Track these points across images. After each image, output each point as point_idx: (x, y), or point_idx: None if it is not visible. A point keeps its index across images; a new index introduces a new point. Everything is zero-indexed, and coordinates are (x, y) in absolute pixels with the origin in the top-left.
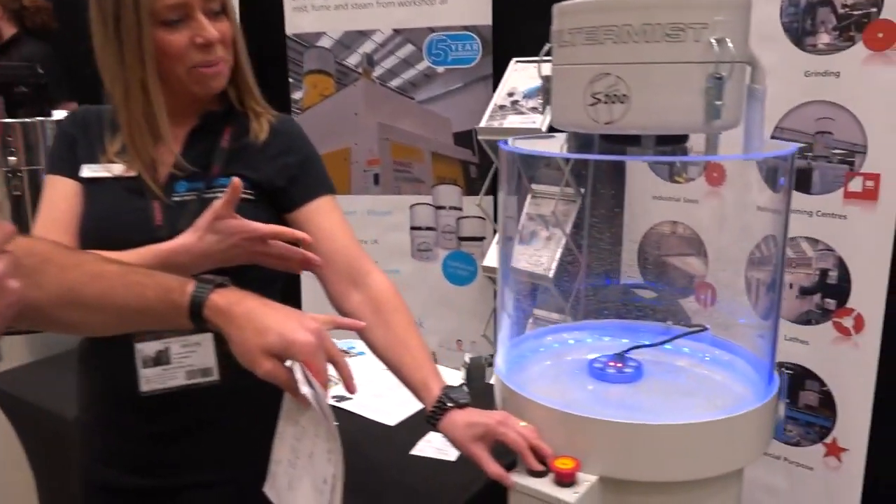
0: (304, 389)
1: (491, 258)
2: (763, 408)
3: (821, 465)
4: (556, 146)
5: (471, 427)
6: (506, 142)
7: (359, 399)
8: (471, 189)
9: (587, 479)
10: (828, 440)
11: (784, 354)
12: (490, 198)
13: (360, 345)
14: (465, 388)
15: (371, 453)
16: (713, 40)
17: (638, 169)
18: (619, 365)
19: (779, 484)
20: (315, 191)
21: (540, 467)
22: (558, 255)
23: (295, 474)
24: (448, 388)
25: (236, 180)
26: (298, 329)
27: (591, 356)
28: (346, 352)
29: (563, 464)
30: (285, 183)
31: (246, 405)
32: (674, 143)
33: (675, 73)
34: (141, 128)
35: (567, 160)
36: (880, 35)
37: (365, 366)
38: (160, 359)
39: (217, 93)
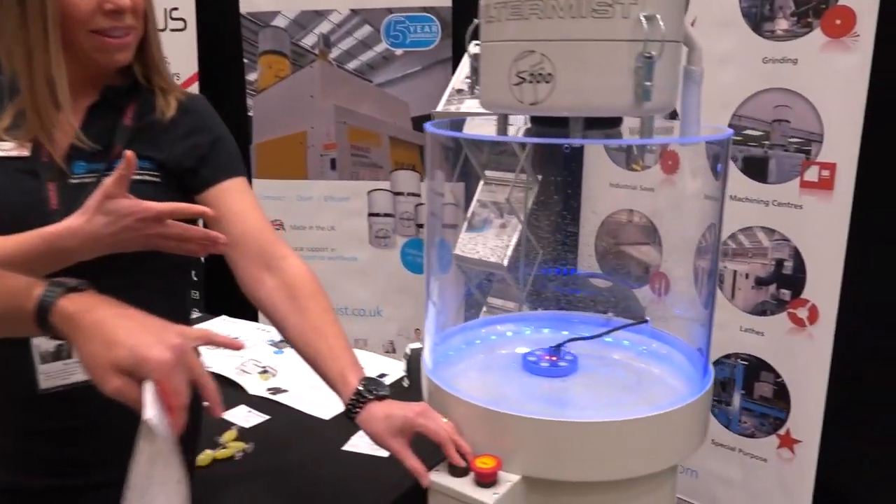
0: (149, 413)
1: (461, 247)
2: (697, 403)
3: (774, 456)
4: (514, 131)
5: (389, 420)
6: (431, 123)
7: (295, 391)
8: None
9: (509, 479)
10: (781, 431)
11: (739, 345)
12: (458, 184)
13: None
14: (406, 378)
15: (302, 448)
16: (643, 17)
17: (595, 156)
18: (554, 358)
19: (733, 475)
20: (226, 172)
21: (462, 462)
22: (513, 243)
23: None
24: (368, 380)
25: (129, 154)
26: (154, 345)
27: (527, 349)
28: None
29: (484, 463)
30: (194, 163)
31: None
32: (606, 126)
33: (603, 52)
34: (43, 94)
35: (523, 146)
36: (838, 22)
37: None
38: (60, 353)
39: (121, 66)
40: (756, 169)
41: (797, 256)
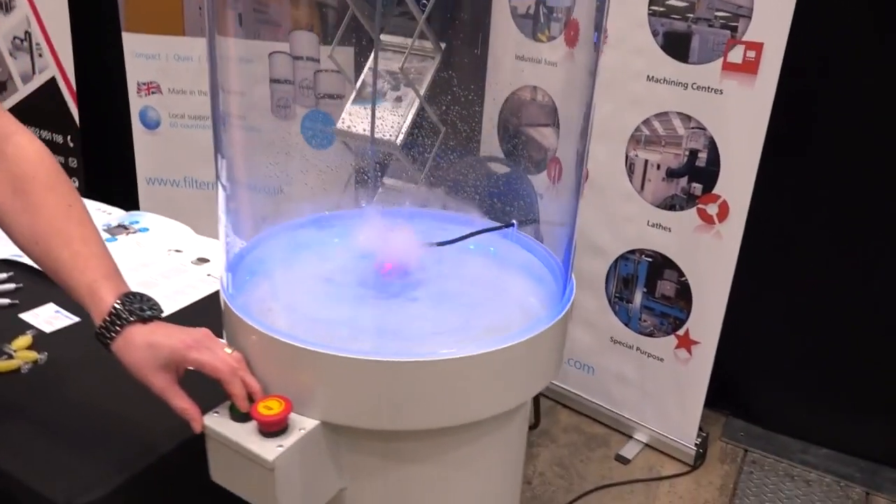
0: None
1: (346, 121)
2: (550, 332)
3: (671, 356)
4: None
5: (152, 349)
6: None
7: None
8: (329, 39)
9: (302, 427)
10: (680, 332)
11: (645, 241)
12: (348, 49)
13: (145, 218)
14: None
15: (109, 364)
16: None
17: (502, 25)
18: (389, 269)
19: (629, 373)
20: None
21: (246, 405)
22: (409, 118)
23: None
24: (129, 296)
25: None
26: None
27: (365, 258)
28: (125, 227)
29: (268, 407)
30: None
31: None
32: None
33: None
34: None
35: (421, 4)
36: None
37: (142, 245)
38: None
39: None
40: (677, 46)
41: (712, 147)
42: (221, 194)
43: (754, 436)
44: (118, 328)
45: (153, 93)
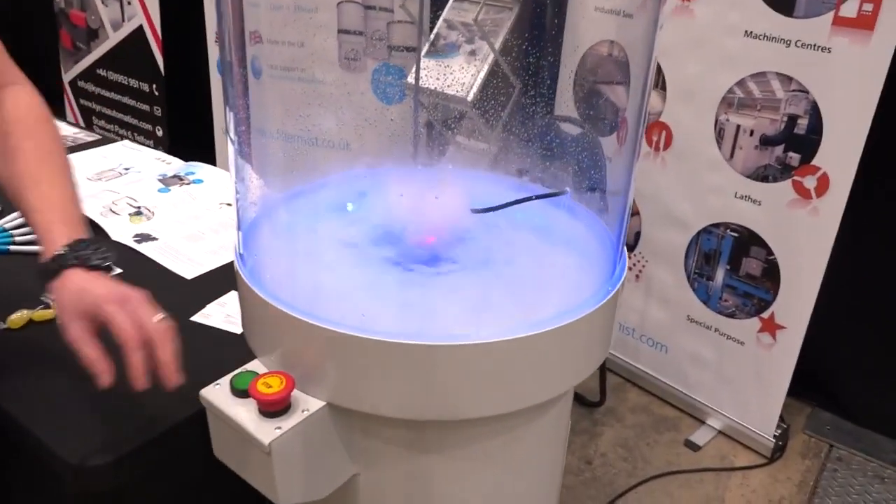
0: None
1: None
2: (595, 315)
3: (753, 340)
4: None
5: (80, 294)
6: None
7: (166, 240)
8: None
9: (307, 408)
10: (765, 315)
11: (732, 214)
12: None
13: (202, 170)
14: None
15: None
16: None
17: None
18: (428, 240)
19: (706, 355)
20: None
21: (140, 378)
22: (483, 74)
23: None
24: (81, 242)
25: None
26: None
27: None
28: (180, 178)
29: (267, 385)
30: None
31: None
32: None
33: None
34: None
35: None
36: None
37: (195, 197)
38: None
39: None
40: None
41: (815, 114)
42: (231, 148)
43: (842, 430)
44: (57, 269)
45: (256, 42)
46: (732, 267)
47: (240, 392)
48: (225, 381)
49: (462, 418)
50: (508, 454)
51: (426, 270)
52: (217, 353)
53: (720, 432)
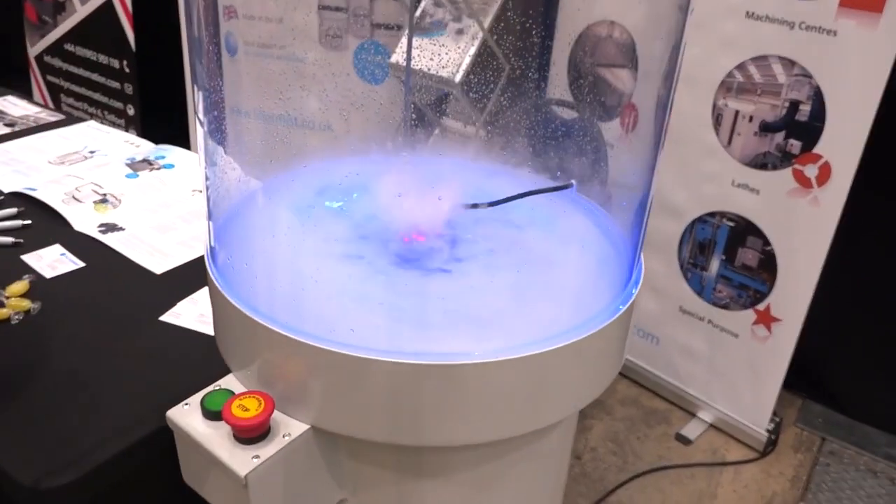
0: None
1: (399, 54)
2: (607, 330)
3: (748, 332)
4: None
5: None
6: None
7: (133, 230)
8: None
9: (288, 432)
10: (760, 307)
11: (728, 202)
12: None
13: (173, 154)
14: None
15: (106, 313)
16: None
17: None
18: (421, 238)
19: (698, 347)
20: None
21: None
22: (471, 53)
23: None
24: None
25: None
26: None
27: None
28: (149, 162)
29: (243, 408)
30: None
31: None
32: None
33: None
34: None
35: None
36: None
37: (166, 183)
38: None
39: None
40: None
41: (818, 99)
42: (200, 131)
43: (834, 423)
44: None
45: (230, 17)
46: (728, 257)
47: (212, 414)
48: (195, 400)
49: (462, 444)
50: (510, 477)
51: (421, 278)
52: (189, 359)
53: (712, 426)
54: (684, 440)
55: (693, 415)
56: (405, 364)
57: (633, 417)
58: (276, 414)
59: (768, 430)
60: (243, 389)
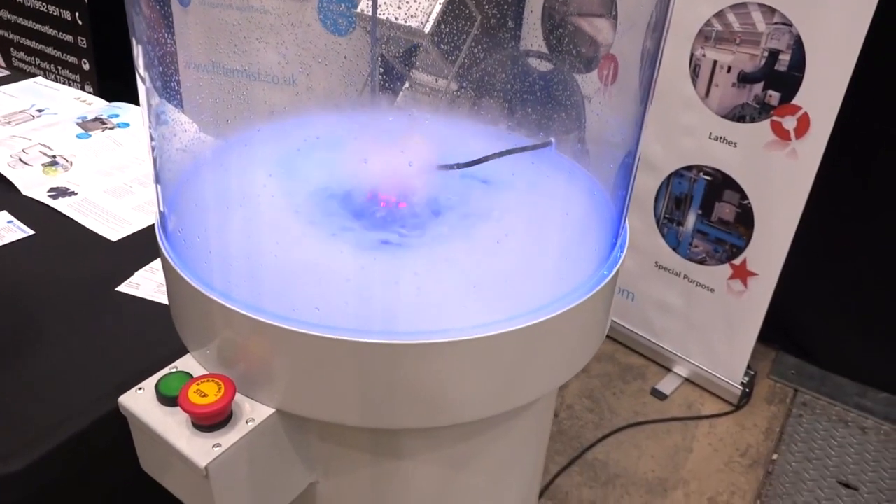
0: None
1: (365, 2)
2: (594, 298)
3: (723, 287)
4: None
5: None
6: None
7: (86, 194)
8: None
9: (251, 417)
10: (737, 261)
11: (705, 156)
12: None
13: (128, 112)
14: None
15: (58, 284)
16: None
17: None
18: (390, 204)
19: (673, 302)
20: None
21: None
22: (440, 3)
23: None
24: None
25: None
26: None
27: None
28: (102, 121)
29: (200, 393)
30: None
31: None
32: None
33: None
34: None
35: None
36: None
37: (120, 143)
38: None
39: None
40: None
41: (798, 49)
42: (142, 87)
43: (806, 375)
44: None
45: None
46: (704, 212)
47: (168, 400)
48: (149, 384)
49: (439, 426)
50: (490, 454)
51: (391, 250)
52: (148, 333)
53: (687, 380)
54: (660, 395)
55: (668, 370)
56: (375, 344)
57: (609, 373)
58: (239, 397)
59: (742, 384)
60: (202, 371)
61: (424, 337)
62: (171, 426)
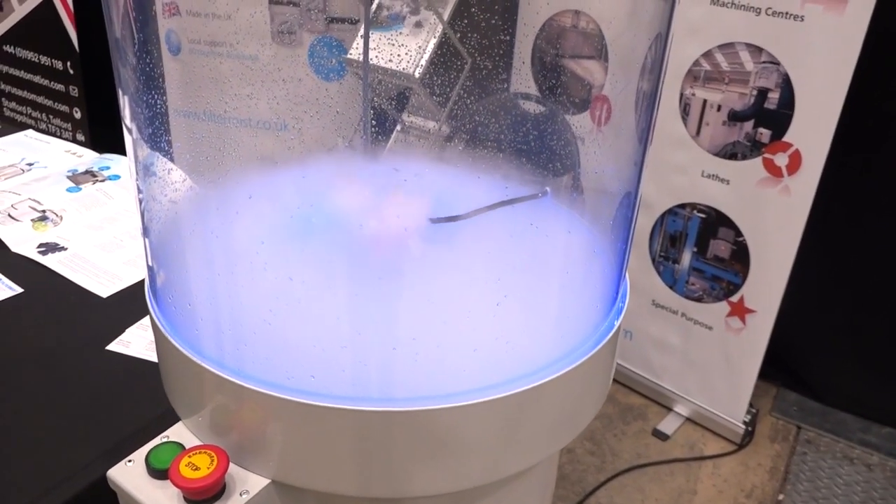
0: None
1: (359, 50)
2: (596, 357)
3: (722, 325)
4: None
5: None
6: None
7: (77, 249)
8: None
9: (245, 489)
10: (734, 298)
11: (698, 194)
12: None
13: (119, 164)
14: None
15: (46, 341)
16: None
17: None
18: (392, 262)
19: (672, 341)
20: None
21: None
22: (431, 48)
23: None
24: None
25: None
26: None
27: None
28: (93, 174)
29: (192, 466)
30: None
31: None
32: None
33: None
34: None
35: None
36: None
37: (111, 196)
38: None
39: None
40: None
41: (787, 87)
42: (129, 139)
43: (808, 411)
44: None
45: (173, 14)
46: (699, 249)
47: (158, 473)
48: (139, 456)
49: (439, 494)
50: None
51: (387, 313)
52: (139, 392)
53: (688, 419)
54: (661, 435)
55: (669, 409)
56: (373, 412)
57: (610, 414)
58: (233, 468)
59: (745, 422)
60: (194, 440)
61: (424, 403)
62: (161, 501)
